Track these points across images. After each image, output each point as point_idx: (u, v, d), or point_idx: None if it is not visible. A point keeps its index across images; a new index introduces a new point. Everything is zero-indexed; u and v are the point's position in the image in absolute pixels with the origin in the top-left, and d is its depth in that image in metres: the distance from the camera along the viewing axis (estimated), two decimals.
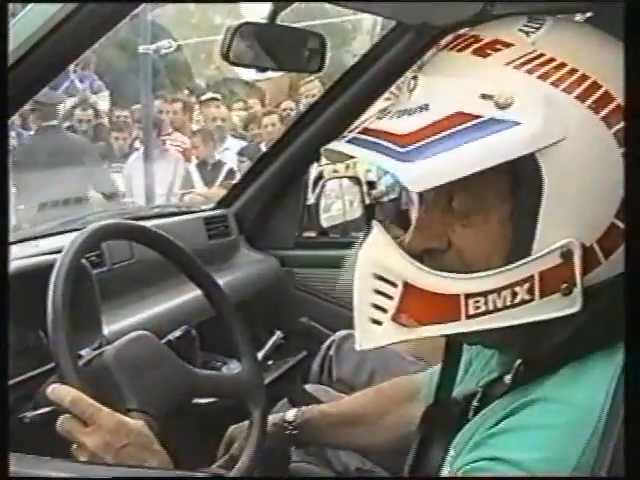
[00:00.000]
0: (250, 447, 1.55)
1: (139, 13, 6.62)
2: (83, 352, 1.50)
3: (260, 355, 2.05)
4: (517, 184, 0.93)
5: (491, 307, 0.94)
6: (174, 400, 1.49)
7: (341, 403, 1.64)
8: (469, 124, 0.91)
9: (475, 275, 0.94)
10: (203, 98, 8.07)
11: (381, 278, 0.97)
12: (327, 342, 2.01)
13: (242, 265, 2.38)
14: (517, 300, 0.93)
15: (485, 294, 0.94)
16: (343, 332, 2.02)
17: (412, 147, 0.91)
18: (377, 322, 0.97)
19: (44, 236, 1.97)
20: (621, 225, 0.93)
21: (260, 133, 6.96)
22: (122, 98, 8.30)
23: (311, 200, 2.45)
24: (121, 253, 1.95)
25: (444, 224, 1.00)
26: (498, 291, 0.93)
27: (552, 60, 0.93)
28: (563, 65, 0.93)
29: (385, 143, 0.93)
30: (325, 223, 2.47)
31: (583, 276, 0.93)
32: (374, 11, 2.00)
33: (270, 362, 2.15)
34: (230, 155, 6.86)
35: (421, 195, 1.04)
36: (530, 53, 0.94)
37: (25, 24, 1.18)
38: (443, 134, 0.91)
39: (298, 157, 2.35)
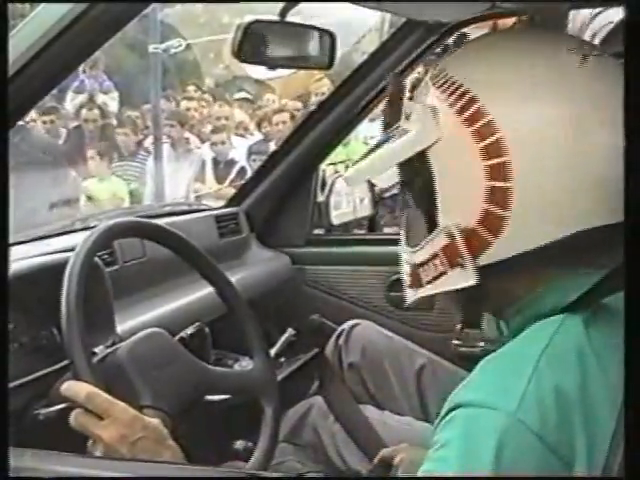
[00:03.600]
0: (263, 443, 1.57)
1: (148, 13, 6.64)
2: (97, 350, 1.51)
3: (272, 352, 2.06)
4: (423, 178, 1.12)
5: (431, 276, 1.14)
6: (187, 397, 1.50)
7: None
8: (390, 134, 1.15)
9: (415, 249, 1.16)
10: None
11: (403, 252, 1.23)
12: (337, 332, 2.04)
13: (253, 263, 2.39)
14: (439, 271, 1.12)
15: (421, 265, 1.15)
16: (351, 322, 2.05)
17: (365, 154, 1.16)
18: (408, 285, 1.21)
19: (56, 235, 1.99)
20: (494, 209, 1.06)
21: (270, 131, 7.01)
22: (132, 98, 8.32)
23: (321, 198, 2.45)
24: (133, 251, 1.95)
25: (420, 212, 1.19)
26: (425, 263, 1.14)
27: (446, 75, 1.11)
28: (450, 78, 1.10)
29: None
30: (335, 220, 2.47)
31: (476, 253, 1.08)
32: (384, 8, 2.01)
33: (282, 359, 2.16)
34: (237, 153, 6.91)
35: None
36: (440, 71, 1.12)
37: (33, 26, 1.19)
38: (378, 142, 1.16)
39: (308, 155, 2.36)
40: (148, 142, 7.55)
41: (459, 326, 1.23)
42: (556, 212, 1.06)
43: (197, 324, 1.68)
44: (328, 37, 1.77)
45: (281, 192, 2.38)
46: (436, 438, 1.01)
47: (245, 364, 2.07)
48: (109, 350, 1.49)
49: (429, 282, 1.15)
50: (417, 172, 1.13)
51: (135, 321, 1.80)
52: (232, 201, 2.40)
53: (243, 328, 1.67)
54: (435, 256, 1.12)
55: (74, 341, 1.33)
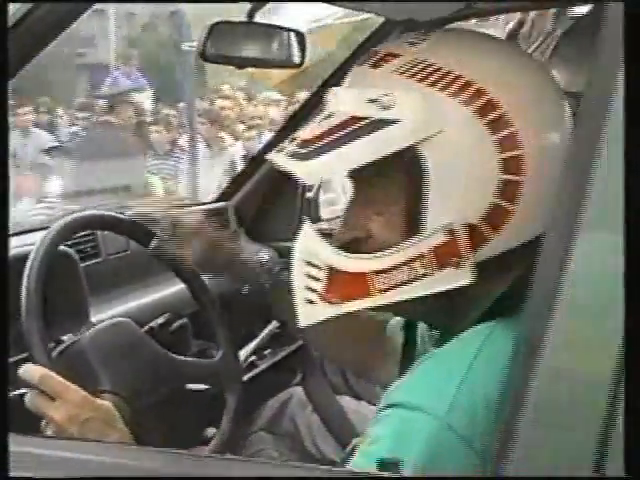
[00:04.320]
0: (223, 430, 1.63)
1: (178, 10, 6.69)
2: (65, 337, 1.57)
3: (255, 343, 2.12)
4: (408, 174, 1.06)
5: (396, 282, 1.07)
6: (149, 384, 1.56)
7: None
8: (358, 125, 1.05)
9: (377, 255, 1.08)
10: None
11: (310, 264, 1.12)
12: None
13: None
14: (417, 274, 1.07)
15: (388, 271, 1.07)
16: None
17: (311, 148, 1.06)
18: (311, 302, 1.13)
19: (41, 229, 2.04)
20: (503, 203, 1.05)
21: None
22: (166, 96, 8.40)
23: (310, 193, 2.48)
24: (117, 244, 2.01)
25: (364, 216, 1.12)
26: (398, 267, 1.07)
27: (430, 65, 1.06)
28: (439, 69, 1.06)
29: (295, 148, 1.08)
30: (326, 216, 2.50)
31: (473, 251, 1.06)
32: (362, 8, 2.05)
33: (267, 351, 2.21)
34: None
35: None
36: (412, 61, 1.07)
37: None
38: (337, 135, 1.06)
39: None
40: (183, 140, 7.63)
41: None
42: (543, 208, 1.05)
43: (167, 315, 1.74)
44: (297, 36, 1.82)
45: (270, 187, 2.40)
46: (368, 431, 1.05)
47: None
48: (75, 338, 1.55)
49: (387, 290, 1.08)
50: (397, 167, 1.07)
51: (112, 311, 1.86)
52: (222, 196, 2.44)
53: (211, 321, 1.72)
54: (416, 258, 1.07)
55: (32, 327, 1.39)
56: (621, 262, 0.80)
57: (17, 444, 1.18)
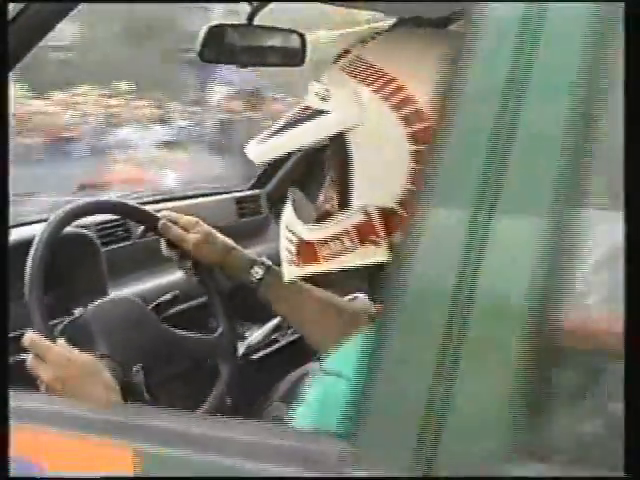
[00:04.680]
0: (213, 399, 1.76)
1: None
2: (76, 311, 1.75)
3: (277, 321, 2.26)
4: (340, 157, 1.17)
5: (332, 251, 1.20)
6: (148, 354, 1.70)
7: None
8: (302, 114, 1.18)
9: (320, 226, 1.21)
10: None
11: (288, 229, 1.27)
12: None
13: (271, 239, 2.51)
14: (345, 247, 1.18)
15: (327, 241, 1.20)
16: (351, 295, 2.16)
17: (268, 133, 1.20)
18: (289, 262, 1.27)
19: None
20: (416, 189, 1.11)
21: None
22: (274, 90, 8.59)
23: None
24: None
25: (330, 192, 1.24)
26: (332, 239, 1.19)
27: (365, 63, 1.16)
28: (372, 67, 1.16)
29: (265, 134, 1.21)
30: None
31: (388, 231, 1.15)
32: (370, 8, 2.15)
33: (290, 330, 2.34)
34: None
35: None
36: (354, 58, 1.18)
37: None
38: (286, 122, 1.18)
39: None
40: None
41: None
42: None
43: (174, 292, 1.90)
44: (297, 36, 1.95)
45: (301, 174, 2.54)
46: (305, 395, 1.17)
47: (255, 332, 2.28)
48: (83, 311, 1.72)
49: (329, 258, 1.20)
50: (332, 152, 1.19)
51: (130, 290, 2.04)
52: (256, 184, 2.59)
53: (213, 303, 1.84)
54: (344, 233, 1.18)
55: (33, 302, 1.55)
56: (462, 239, 0.88)
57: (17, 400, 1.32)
